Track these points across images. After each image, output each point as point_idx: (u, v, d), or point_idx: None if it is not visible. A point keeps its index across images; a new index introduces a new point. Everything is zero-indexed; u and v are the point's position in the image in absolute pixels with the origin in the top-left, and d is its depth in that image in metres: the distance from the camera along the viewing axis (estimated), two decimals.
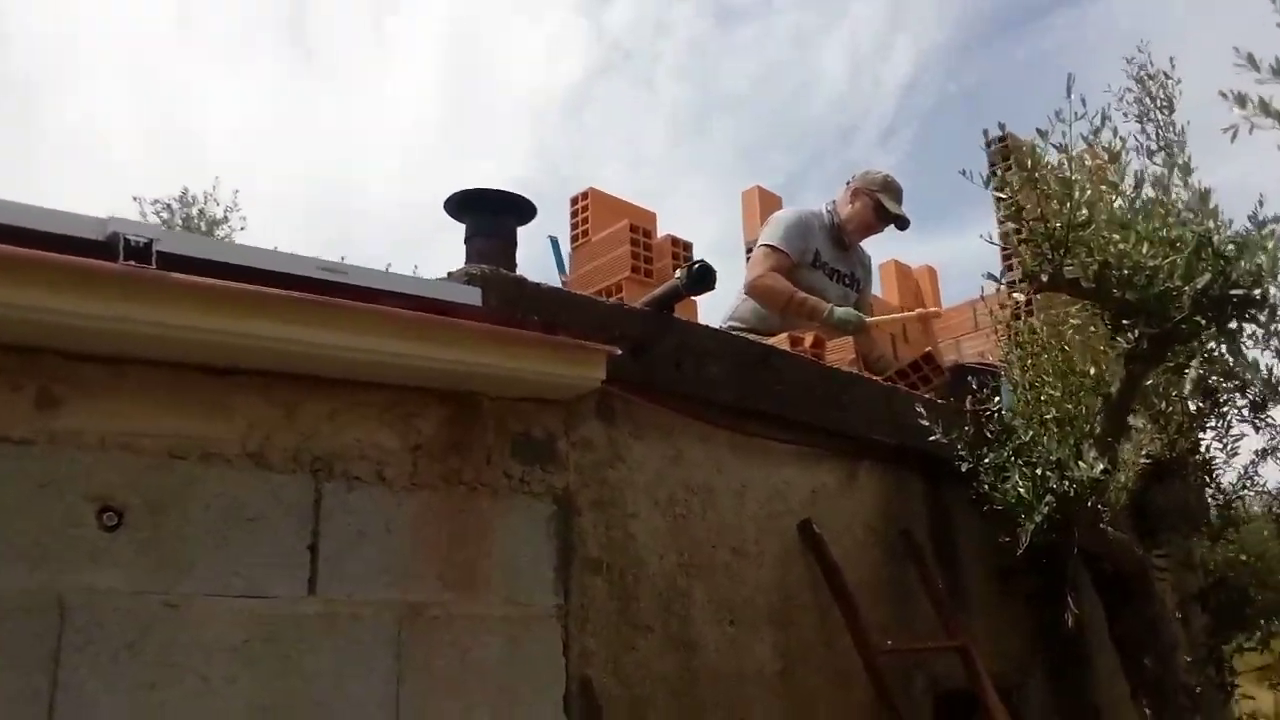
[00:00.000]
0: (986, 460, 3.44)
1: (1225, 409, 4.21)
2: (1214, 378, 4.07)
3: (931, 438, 3.41)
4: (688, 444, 2.88)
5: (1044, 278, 2.60)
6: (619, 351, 2.51)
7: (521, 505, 2.46)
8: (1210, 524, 4.20)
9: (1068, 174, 2.55)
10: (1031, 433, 3.12)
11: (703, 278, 2.64)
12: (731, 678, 2.77)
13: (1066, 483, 3.01)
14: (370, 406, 2.25)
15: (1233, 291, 2.55)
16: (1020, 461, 3.11)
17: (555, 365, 2.38)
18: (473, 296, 2.36)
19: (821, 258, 4.28)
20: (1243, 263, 2.54)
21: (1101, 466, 2.90)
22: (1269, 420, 4.30)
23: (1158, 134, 2.72)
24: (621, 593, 2.59)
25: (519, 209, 3.41)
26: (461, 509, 2.34)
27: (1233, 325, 2.51)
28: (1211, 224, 2.59)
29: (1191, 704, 3.51)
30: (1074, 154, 2.59)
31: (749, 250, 5.48)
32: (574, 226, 4.17)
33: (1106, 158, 2.60)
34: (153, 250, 1.82)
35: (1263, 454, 4.64)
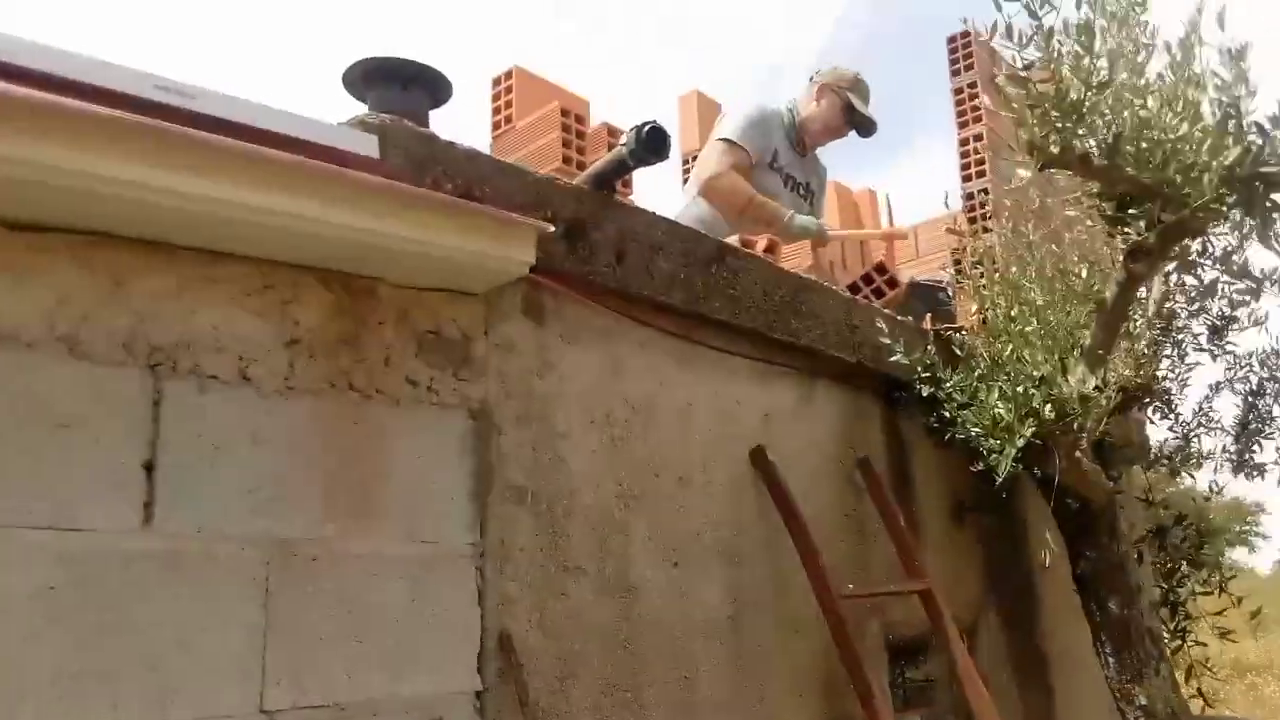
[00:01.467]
0: (950, 383, 3.08)
1: (1181, 335, 3.95)
2: (1176, 298, 3.79)
3: (894, 357, 3.02)
4: (628, 351, 2.42)
5: (1053, 149, 2.19)
6: (551, 228, 2.03)
7: (429, 419, 1.97)
8: (1168, 458, 3.94)
9: (1090, 16, 2.12)
10: (1013, 347, 2.75)
11: (655, 143, 2.16)
12: (676, 627, 2.35)
13: (1050, 402, 2.66)
14: (231, 285, 1.73)
15: (1264, 170, 2.19)
16: (1003, 379, 2.74)
17: (473, 240, 1.89)
18: (369, 146, 1.84)
19: (779, 160, 3.82)
20: (1278, 137, 2.18)
21: (1094, 382, 2.55)
22: (1227, 347, 4.06)
23: None
24: (550, 528, 2.14)
25: (433, 84, 2.85)
26: (353, 421, 1.85)
27: (1268, 206, 2.14)
28: (1242, 90, 2.21)
29: (1157, 651, 3.25)
30: None
31: (686, 162, 5.00)
32: (495, 112, 3.63)
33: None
34: None
35: (1217, 386, 4.41)
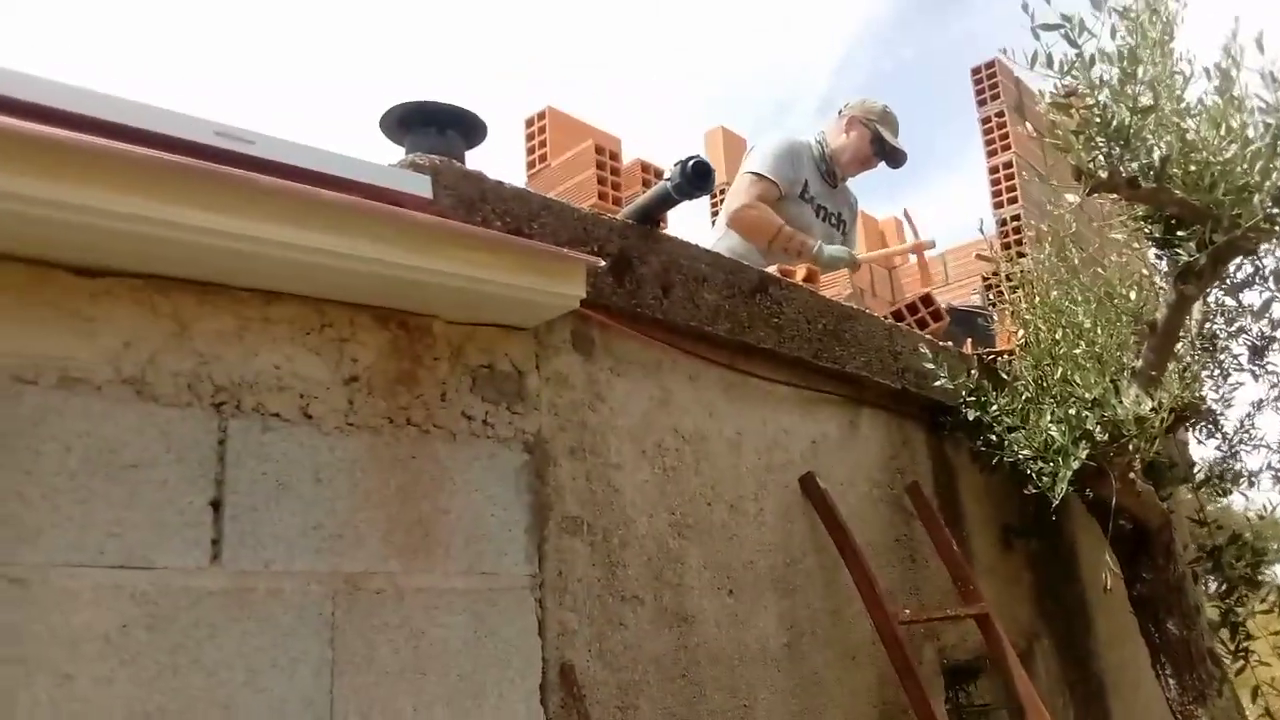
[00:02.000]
0: (995, 407, 3.06)
1: (1223, 356, 3.90)
2: (1217, 320, 3.76)
3: (938, 382, 3.01)
4: (676, 383, 2.42)
5: (1101, 174, 2.19)
6: (602, 263, 2.05)
7: (485, 453, 1.98)
8: (1218, 478, 3.88)
9: (1131, 43, 2.13)
10: (1062, 369, 2.73)
11: (700, 176, 2.18)
12: (733, 656, 2.34)
13: (1102, 425, 2.63)
14: (289, 324, 1.76)
15: None
16: (1052, 401, 2.72)
17: (525, 276, 1.90)
18: (422, 187, 1.87)
19: (809, 191, 3.83)
20: None
21: (1149, 404, 2.53)
22: (1268, 367, 4.01)
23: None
24: (606, 558, 2.13)
25: (468, 126, 2.89)
26: (412, 456, 1.86)
27: None
28: None
29: (1219, 672, 3.19)
30: (1135, 19, 2.18)
31: (713, 197, 5.03)
32: (529, 151, 3.67)
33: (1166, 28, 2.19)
34: None
35: (1259, 404, 4.36)
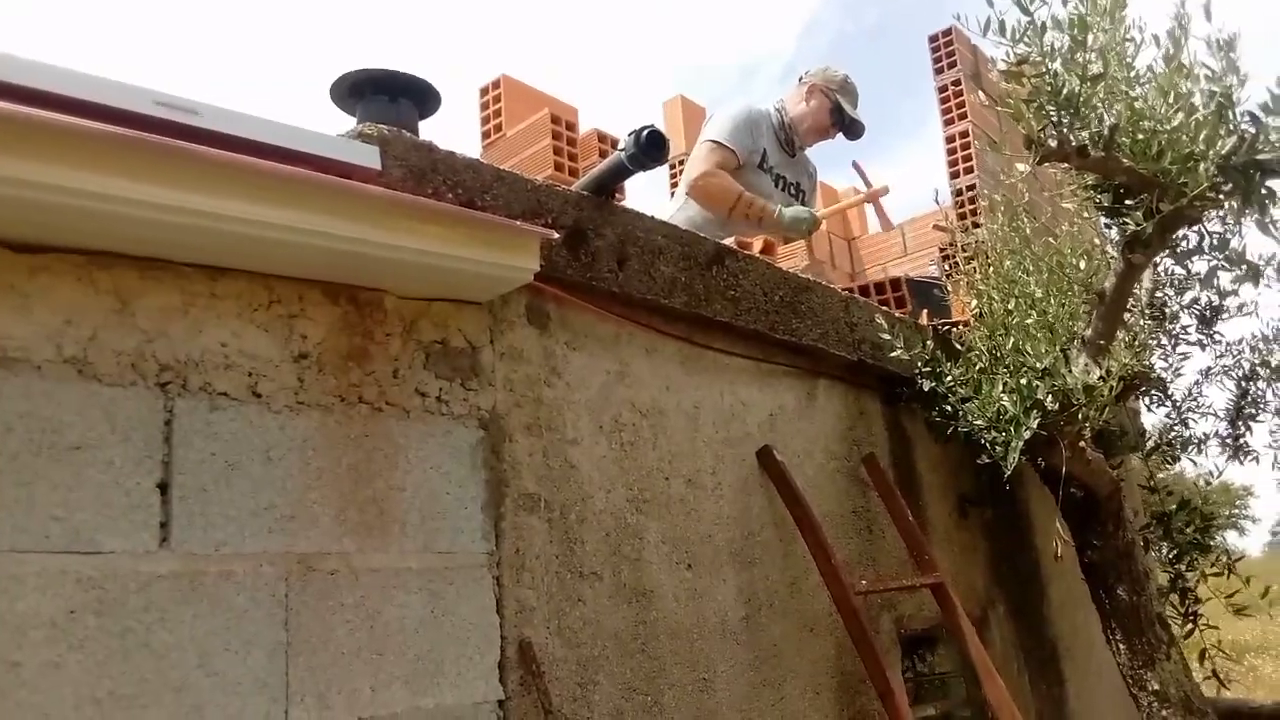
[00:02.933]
0: (949, 378, 3.08)
1: (1172, 325, 3.97)
2: (1166, 289, 3.82)
3: (894, 353, 3.03)
4: (633, 357, 2.41)
5: (1051, 143, 2.20)
6: (556, 235, 2.03)
7: (440, 430, 1.96)
8: (1167, 445, 3.95)
9: (1082, 11, 2.14)
10: (1014, 339, 2.76)
11: (654, 147, 2.16)
12: (692, 629, 2.34)
13: (1053, 394, 2.66)
14: (236, 300, 1.72)
15: (1259, 157, 2.20)
16: (1004, 371, 2.74)
17: (478, 249, 1.88)
18: (370, 158, 1.83)
19: (768, 160, 3.81)
20: (1271, 125, 2.20)
21: (1098, 373, 2.56)
22: (1215, 336, 4.08)
23: None
24: (564, 535, 2.12)
25: (421, 95, 2.84)
26: (365, 434, 1.83)
27: (1268, 186, 2.15)
28: (1234, 80, 2.23)
29: (1167, 635, 3.25)
30: None
31: (673, 166, 5.00)
32: (484, 121, 3.61)
33: None
34: None
35: (1207, 373, 4.44)
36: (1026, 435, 2.64)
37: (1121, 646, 3.23)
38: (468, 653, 1.88)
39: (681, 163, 4.30)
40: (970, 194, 3.98)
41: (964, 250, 3.68)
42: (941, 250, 4.36)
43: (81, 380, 1.51)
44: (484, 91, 3.61)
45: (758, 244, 3.08)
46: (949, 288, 3.92)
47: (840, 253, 5.40)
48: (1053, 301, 2.82)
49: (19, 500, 1.40)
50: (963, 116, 4.11)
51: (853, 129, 3.94)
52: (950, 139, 4.11)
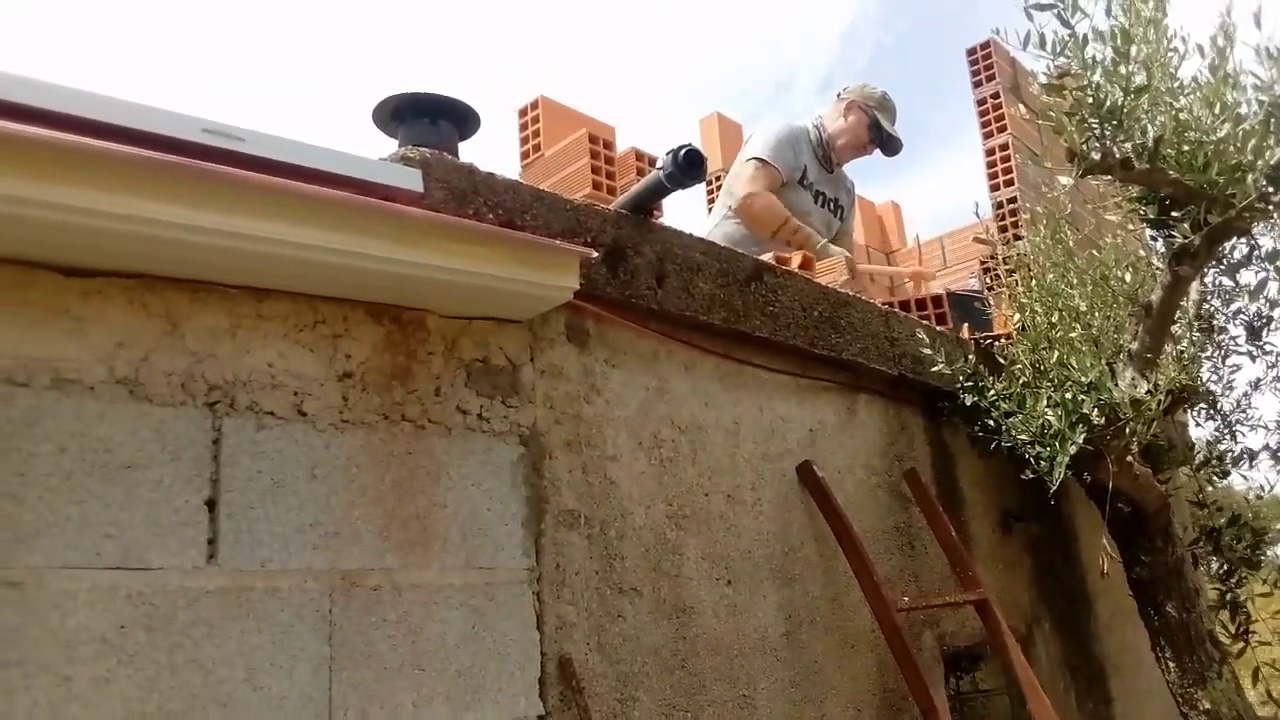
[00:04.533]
0: (992, 392, 3.06)
1: (1220, 337, 3.90)
2: (1214, 300, 3.75)
3: (935, 368, 3.01)
4: (672, 373, 2.42)
5: (1094, 155, 2.18)
6: (595, 254, 2.05)
7: (481, 447, 1.98)
8: (1217, 459, 3.88)
9: (1123, 23, 2.12)
10: (1058, 353, 2.73)
11: (692, 165, 2.17)
12: (732, 646, 2.34)
13: (1099, 408, 2.63)
14: (282, 321, 1.75)
15: None
16: (1049, 385, 2.72)
17: (518, 268, 1.90)
18: (413, 181, 1.86)
19: (808, 177, 3.81)
20: None
21: (1145, 387, 2.52)
22: (1266, 347, 4.00)
23: None
24: (603, 551, 2.13)
25: (461, 117, 2.87)
26: (408, 451, 1.86)
27: None
28: None
29: (1219, 654, 3.19)
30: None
31: (710, 183, 5.00)
32: (523, 141, 3.65)
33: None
34: None
35: (1257, 384, 4.35)
36: (1072, 450, 2.61)
37: (1171, 665, 3.18)
38: (508, 669, 1.90)
39: (719, 179, 4.30)
40: (1011, 206, 3.95)
41: (1005, 263, 3.65)
42: (982, 263, 4.32)
43: (133, 401, 1.54)
44: (523, 112, 3.65)
45: (796, 259, 3.08)
46: (990, 301, 3.89)
47: (899, 282, 5.37)
48: (1097, 314, 2.78)
49: (71, 518, 1.44)
50: (1002, 129, 4.08)
51: (890, 145, 3.93)
52: (990, 151, 4.09)
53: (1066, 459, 2.61)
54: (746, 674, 2.35)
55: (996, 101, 4.09)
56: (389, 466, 1.83)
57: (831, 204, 3.92)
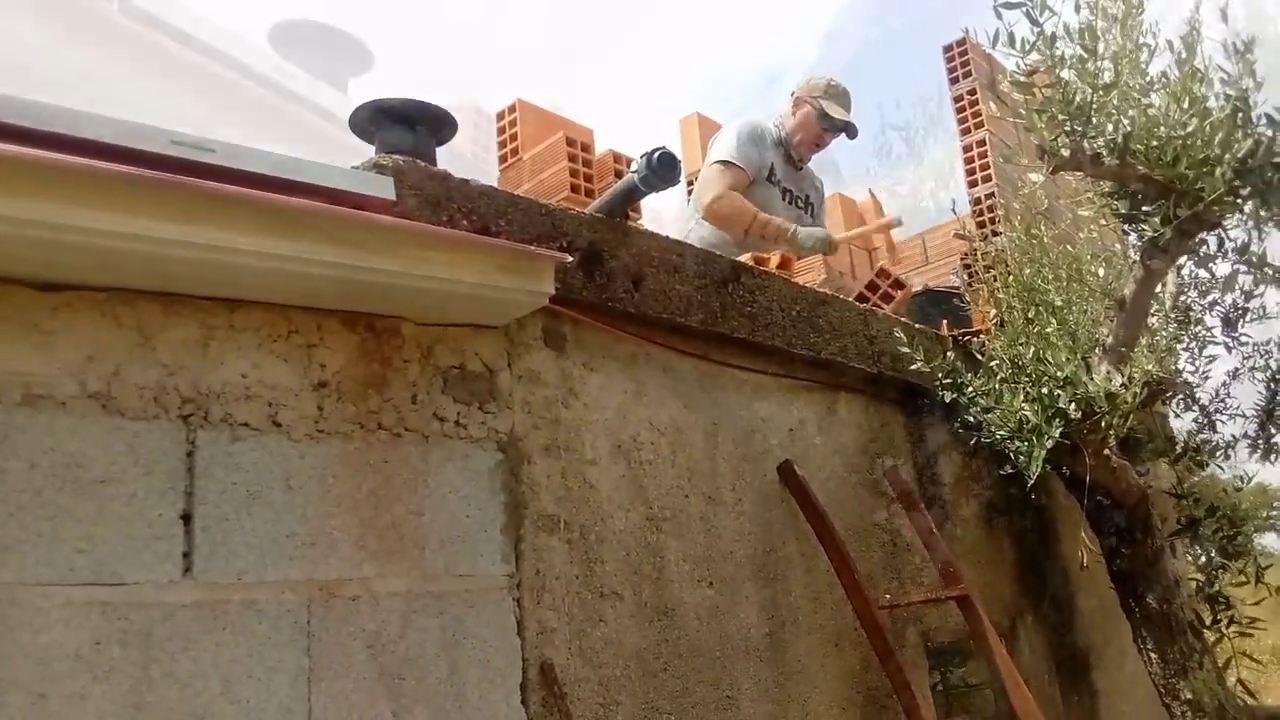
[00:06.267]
0: (971, 388, 3.07)
1: (1197, 328, 3.93)
2: (1190, 293, 3.78)
3: (914, 365, 3.02)
4: (650, 376, 2.42)
5: (1064, 152, 2.20)
6: (570, 258, 2.05)
7: (459, 454, 1.98)
8: (1194, 450, 3.91)
9: (1091, 20, 2.14)
10: (1035, 348, 2.74)
11: (665, 169, 2.17)
12: (714, 647, 2.34)
13: (1075, 402, 2.65)
14: (255, 332, 1.75)
15: (1276, 160, 2.19)
16: (1026, 381, 2.73)
17: (492, 275, 1.90)
18: (384, 189, 1.85)
19: (775, 174, 3.82)
20: None
21: (1120, 380, 2.54)
22: (1241, 338, 4.04)
23: None
24: (583, 555, 2.14)
25: (438, 123, 2.87)
26: (384, 460, 1.86)
27: None
28: (1250, 83, 2.21)
29: (1200, 644, 3.21)
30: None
31: (689, 184, 5.01)
32: (501, 145, 3.64)
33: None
34: None
35: (1234, 374, 4.39)
36: (1049, 444, 2.63)
37: (1153, 655, 3.20)
38: (489, 675, 1.89)
39: (694, 181, 4.31)
40: (989, 202, 3.97)
41: (983, 259, 3.67)
42: (962, 258, 4.34)
43: (105, 415, 1.54)
44: (500, 116, 3.64)
45: (774, 259, 3.08)
46: (968, 297, 3.91)
47: (861, 264, 5.38)
48: (1073, 309, 2.80)
49: (43, 535, 1.44)
50: (979, 125, 4.10)
51: (847, 130, 3.92)
52: (967, 148, 4.11)
53: (1043, 453, 2.63)
54: (730, 675, 2.36)
55: (974, 98, 4.11)
56: (365, 475, 1.82)
57: (800, 200, 3.93)
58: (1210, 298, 3.86)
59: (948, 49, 4.24)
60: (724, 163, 3.69)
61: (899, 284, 3.74)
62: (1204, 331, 3.97)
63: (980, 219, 3.97)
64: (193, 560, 1.57)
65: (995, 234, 3.76)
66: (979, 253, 3.65)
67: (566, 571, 2.09)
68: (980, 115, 4.07)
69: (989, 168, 4.03)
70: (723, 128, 3.98)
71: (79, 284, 1.55)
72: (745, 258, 3.04)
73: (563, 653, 2.02)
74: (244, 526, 1.64)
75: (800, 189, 4.00)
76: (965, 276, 4.09)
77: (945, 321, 3.68)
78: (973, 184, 4.08)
